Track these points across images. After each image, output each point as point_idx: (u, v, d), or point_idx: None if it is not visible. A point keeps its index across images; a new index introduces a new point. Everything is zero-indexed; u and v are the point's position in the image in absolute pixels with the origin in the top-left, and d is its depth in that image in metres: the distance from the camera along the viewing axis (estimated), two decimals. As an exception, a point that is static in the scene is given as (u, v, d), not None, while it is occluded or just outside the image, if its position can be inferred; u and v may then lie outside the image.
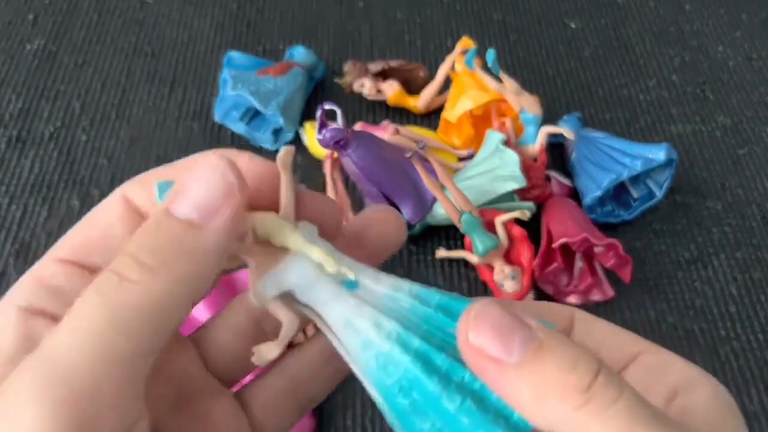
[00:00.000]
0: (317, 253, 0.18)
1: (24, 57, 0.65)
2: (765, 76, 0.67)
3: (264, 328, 0.21)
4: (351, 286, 0.18)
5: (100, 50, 0.66)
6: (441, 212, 0.51)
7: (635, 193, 0.55)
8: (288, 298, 0.19)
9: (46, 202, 0.55)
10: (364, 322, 0.17)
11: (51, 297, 0.16)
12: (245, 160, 0.18)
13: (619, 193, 0.56)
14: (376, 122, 0.60)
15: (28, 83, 0.63)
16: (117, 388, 0.14)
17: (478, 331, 0.15)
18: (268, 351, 0.18)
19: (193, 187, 0.16)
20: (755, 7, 0.73)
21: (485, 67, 0.55)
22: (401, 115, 0.62)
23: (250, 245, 0.18)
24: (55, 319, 0.16)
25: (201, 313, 0.44)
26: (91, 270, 0.17)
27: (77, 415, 0.13)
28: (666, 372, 0.18)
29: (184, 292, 0.15)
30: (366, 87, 0.60)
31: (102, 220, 0.18)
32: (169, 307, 0.15)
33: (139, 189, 0.18)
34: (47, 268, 0.17)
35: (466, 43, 0.59)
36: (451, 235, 0.54)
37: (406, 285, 0.18)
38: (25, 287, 0.17)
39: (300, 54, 0.62)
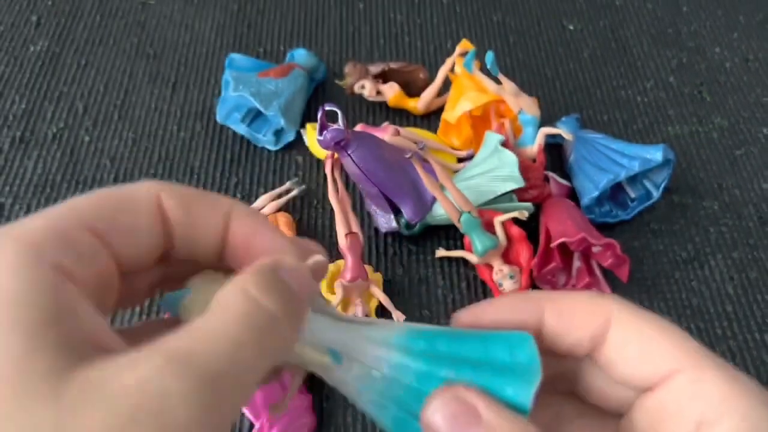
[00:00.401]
0: (301, 351, 0.20)
1: (27, 58, 0.65)
2: (762, 77, 0.67)
3: None
4: (336, 360, 0.20)
5: (103, 52, 0.66)
6: (441, 212, 0.51)
7: (633, 194, 0.56)
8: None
9: (49, 202, 0.56)
10: (348, 391, 0.21)
11: (77, 260, 0.16)
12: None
13: (616, 193, 0.56)
14: (376, 123, 0.60)
15: (32, 84, 0.63)
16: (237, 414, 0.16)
17: (436, 419, 0.18)
18: (281, 406, 0.21)
19: (297, 272, 0.18)
20: (752, 8, 0.74)
21: (484, 69, 0.55)
22: (401, 116, 0.62)
23: None
24: (74, 280, 0.16)
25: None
26: (107, 246, 0.17)
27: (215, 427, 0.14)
28: (695, 398, 0.17)
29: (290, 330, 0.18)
30: (366, 88, 0.61)
31: (135, 210, 0.18)
32: (285, 353, 0.18)
33: (175, 200, 0.18)
34: (75, 230, 0.16)
35: (465, 45, 0.59)
36: (450, 234, 0.54)
37: (385, 359, 0.20)
38: (53, 242, 0.16)
39: (301, 56, 0.63)
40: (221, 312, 0.16)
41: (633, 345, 0.19)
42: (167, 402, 0.13)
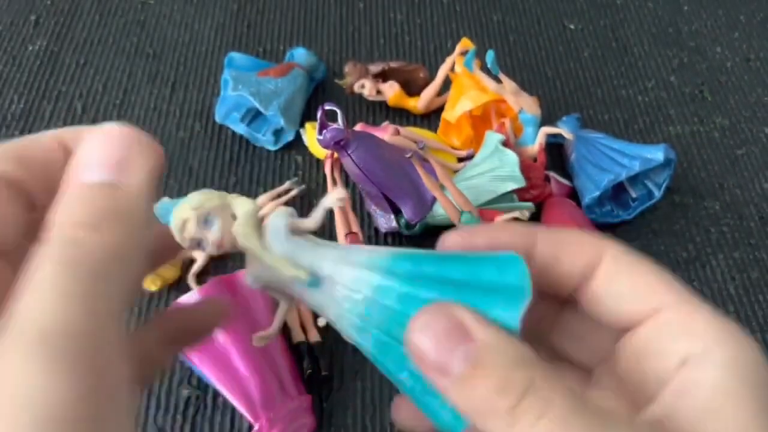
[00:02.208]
0: (268, 259, 0.20)
1: (26, 58, 0.65)
2: (763, 77, 0.67)
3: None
4: (314, 284, 0.20)
5: (102, 51, 0.66)
6: (441, 212, 0.51)
7: (634, 194, 0.56)
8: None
9: (48, 202, 0.55)
10: (329, 313, 0.20)
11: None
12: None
13: (617, 193, 0.56)
14: (376, 123, 0.60)
15: (30, 84, 0.63)
16: (103, 337, 0.14)
17: (422, 340, 0.17)
18: (268, 335, 0.22)
19: (96, 149, 0.16)
20: (753, 8, 0.73)
21: (484, 68, 0.55)
22: (401, 115, 0.62)
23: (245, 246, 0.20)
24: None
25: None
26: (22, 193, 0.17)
27: (73, 365, 0.13)
28: (683, 333, 0.17)
29: (128, 243, 0.15)
30: (366, 88, 0.60)
31: (42, 150, 0.17)
32: (121, 258, 0.15)
33: (73, 135, 0.18)
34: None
35: (465, 44, 0.59)
36: (450, 235, 0.54)
37: (367, 281, 0.19)
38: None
39: (300, 55, 0.63)
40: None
41: (623, 279, 0.18)
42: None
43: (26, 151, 0.17)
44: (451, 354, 0.16)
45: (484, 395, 0.16)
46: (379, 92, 0.61)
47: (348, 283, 0.19)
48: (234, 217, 0.20)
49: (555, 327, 0.22)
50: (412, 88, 0.62)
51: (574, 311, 0.21)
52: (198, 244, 0.20)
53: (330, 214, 0.54)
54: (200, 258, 0.51)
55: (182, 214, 0.19)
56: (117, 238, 0.15)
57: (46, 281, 0.14)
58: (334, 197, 0.21)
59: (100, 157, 0.16)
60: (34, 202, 0.17)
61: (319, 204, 0.21)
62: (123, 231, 0.15)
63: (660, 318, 0.18)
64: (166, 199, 0.20)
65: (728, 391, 0.16)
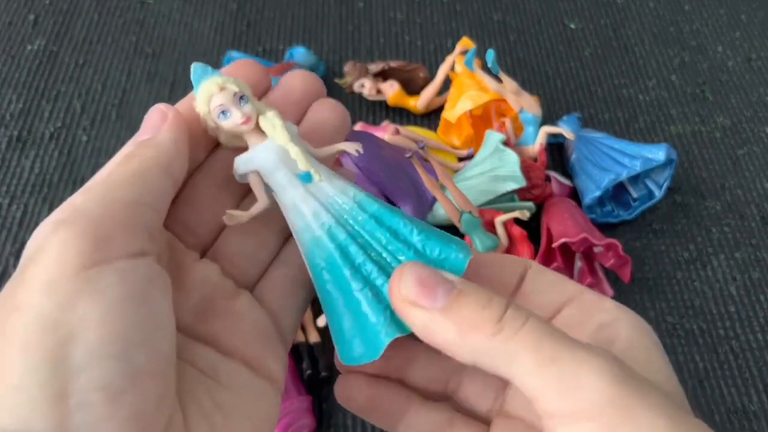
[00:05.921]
0: (293, 150, 0.22)
1: (25, 57, 0.65)
2: (764, 76, 0.67)
3: (269, 227, 0.25)
4: (305, 179, 0.22)
5: (101, 50, 0.66)
6: (441, 212, 0.51)
7: (635, 193, 0.56)
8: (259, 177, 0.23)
9: (46, 202, 0.55)
10: (306, 209, 0.22)
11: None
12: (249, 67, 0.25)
13: (618, 193, 0.56)
14: (376, 122, 0.60)
15: (29, 83, 0.63)
16: (120, 220, 0.19)
17: (407, 285, 0.19)
18: (238, 216, 0.23)
19: (145, 124, 0.23)
20: (755, 7, 0.73)
21: (485, 68, 0.55)
22: (401, 115, 0.62)
23: (251, 132, 0.23)
24: None
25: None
26: None
27: (90, 233, 0.18)
28: (597, 310, 0.22)
29: (155, 163, 0.22)
30: (366, 87, 0.60)
31: None
32: (148, 172, 0.21)
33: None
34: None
35: (465, 43, 0.59)
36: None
37: (353, 191, 0.22)
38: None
39: (300, 54, 0.63)
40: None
41: (543, 282, 0.23)
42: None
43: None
44: (434, 291, 0.19)
45: (471, 311, 0.18)
46: (379, 92, 0.61)
47: (335, 189, 0.22)
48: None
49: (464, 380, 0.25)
50: (412, 88, 0.62)
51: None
52: (221, 113, 0.22)
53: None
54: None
55: (221, 81, 0.22)
56: (144, 162, 0.22)
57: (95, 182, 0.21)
58: (353, 146, 0.24)
59: (146, 127, 0.23)
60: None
61: (333, 146, 0.24)
62: (151, 155, 0.22)
63: (578, 301, 0.22)
64: (199, 64, 0.23)
65: (639, 344, 0.21)
